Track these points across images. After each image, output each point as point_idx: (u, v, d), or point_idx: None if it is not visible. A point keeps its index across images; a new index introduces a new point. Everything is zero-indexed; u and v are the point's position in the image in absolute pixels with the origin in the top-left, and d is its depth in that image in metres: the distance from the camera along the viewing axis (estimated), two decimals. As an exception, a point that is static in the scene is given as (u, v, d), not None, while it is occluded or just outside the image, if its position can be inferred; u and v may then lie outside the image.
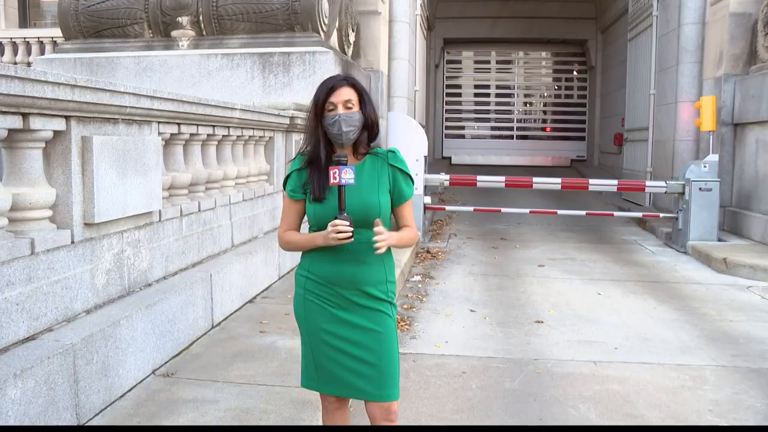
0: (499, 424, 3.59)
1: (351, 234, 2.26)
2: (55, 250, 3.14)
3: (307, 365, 2.50)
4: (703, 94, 10.09)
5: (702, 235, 8.70)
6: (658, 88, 11.79)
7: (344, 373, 2.41)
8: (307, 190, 2.41)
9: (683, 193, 8.95)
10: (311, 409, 3.25)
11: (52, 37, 12.20)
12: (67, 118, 3.20)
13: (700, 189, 8.72)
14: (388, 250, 2.48)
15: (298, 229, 2.52)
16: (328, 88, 2.39)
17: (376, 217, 2.36)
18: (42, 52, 12.21)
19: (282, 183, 2.67)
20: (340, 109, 2.36)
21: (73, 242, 3.27)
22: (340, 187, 2.27)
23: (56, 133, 3.17)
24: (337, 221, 2.27)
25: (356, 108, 2.39)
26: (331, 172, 2.26)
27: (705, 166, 8.86)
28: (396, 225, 2.52)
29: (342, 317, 2.40)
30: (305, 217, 2.51)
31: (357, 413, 3.22)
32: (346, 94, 2.38)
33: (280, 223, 2.57)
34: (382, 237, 2.28)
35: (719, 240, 8.77)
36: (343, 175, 2.25)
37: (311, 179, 2.39)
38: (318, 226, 2.39)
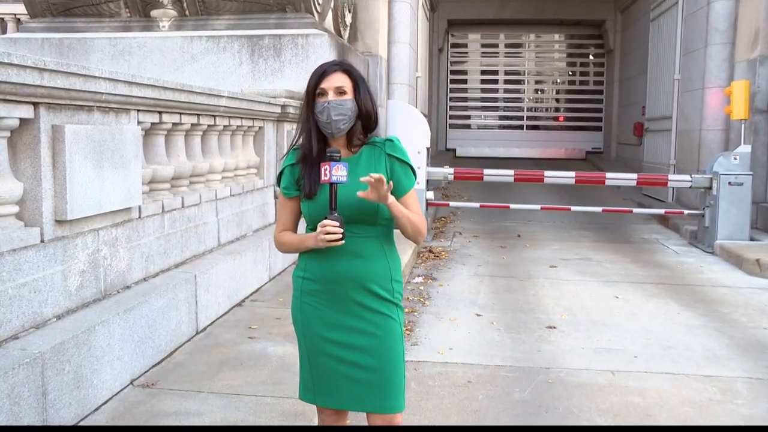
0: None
1: (341, 235, 2.26)
2: (23, 250, 3.12)
3: (305, 376, 2.48)
4: (735, 78, 10.02)
5: (731, 234, 8.67)
6: (683, 73, 11.76)
7: (343, 383, 2.40)
8: (301, 187, 2.41)
9: (710, 188, 8.92)
10: (303, 422, 3.26)
11: (14, 15, 12.14)
12: (35, 104, 3.18)
13: (729, 183, 8.69)
14: (392, 245, 2.48)
15: (295, 229, 2.51)
16: (319, 74, 2.40)
17: (373, 213, 2.35)
18: (4, 30, 12.18)
19: (276, 179, 2.66)
20: (331, 96, 2.36)
21: (42, 241, 3.25)
22: (331, 184, 2.26)
23: (23, 121, 3.15)
24: (326, 222, 2.27)
25: (349, 95, 2.38)
26: (323, 169, 2.26)
27: (735, 158, 8.82)
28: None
29: (342, 322, 2.39)
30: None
31: (354, 422, 3.20)
32: (338, 79, 2.38)
33: (276, 222, 2.55)
34: (379, 176, 2.18)
35: (751, 239, 8.74)
36: (335, 172, 2.24)
37: (303, 175, 2.40)
38: (313, 225, 2.39)
